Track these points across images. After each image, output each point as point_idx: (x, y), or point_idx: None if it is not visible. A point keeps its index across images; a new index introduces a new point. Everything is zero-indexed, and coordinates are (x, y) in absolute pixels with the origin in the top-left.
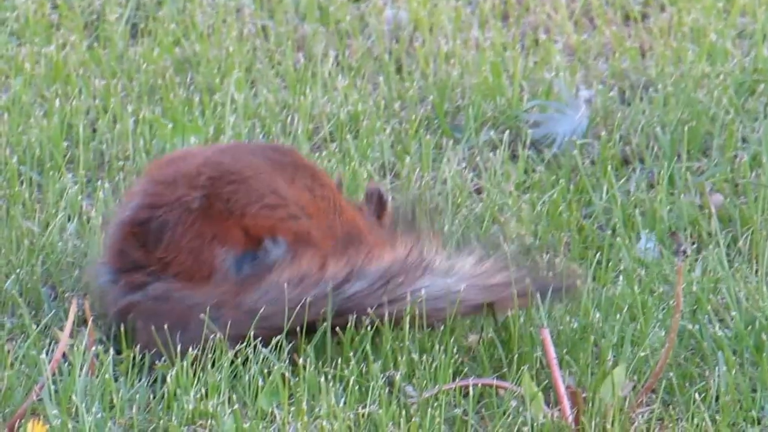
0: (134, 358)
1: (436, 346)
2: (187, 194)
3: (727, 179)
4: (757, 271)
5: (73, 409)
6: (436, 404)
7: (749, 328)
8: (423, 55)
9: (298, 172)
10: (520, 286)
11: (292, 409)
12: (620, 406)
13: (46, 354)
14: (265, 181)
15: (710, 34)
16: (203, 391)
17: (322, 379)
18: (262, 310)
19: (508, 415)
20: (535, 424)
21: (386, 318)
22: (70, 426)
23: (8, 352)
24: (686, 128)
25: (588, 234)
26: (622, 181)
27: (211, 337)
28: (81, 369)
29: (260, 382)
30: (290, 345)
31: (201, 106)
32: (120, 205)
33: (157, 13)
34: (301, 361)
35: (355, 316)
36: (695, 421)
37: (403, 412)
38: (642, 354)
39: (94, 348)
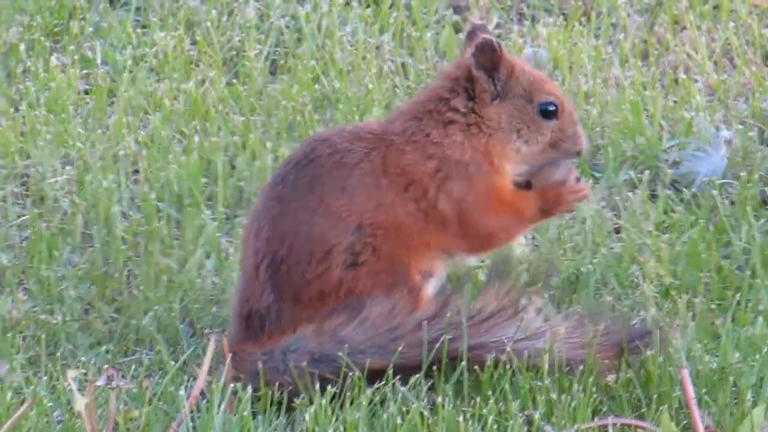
0: (272, 395)
1: (575, 386)
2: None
3: None
4: None
5: None
6: None
7: None
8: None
9: None
10: (607, 341)
11: None
12: None
13: (184, 390)
14: None
15: None
16: (341, 429)
17: (461, 418)
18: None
19: None
20: None
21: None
22: None
23: (146, 388)
24: None
25: (727, 275)
26: (762, 221)
27: (350, 374)
28: (219, 406)
29: (398, 421)
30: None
31: None
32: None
33: (296, 49)
34: (439, 399)
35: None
36: None
37: None
38: None
39: (232, 385)
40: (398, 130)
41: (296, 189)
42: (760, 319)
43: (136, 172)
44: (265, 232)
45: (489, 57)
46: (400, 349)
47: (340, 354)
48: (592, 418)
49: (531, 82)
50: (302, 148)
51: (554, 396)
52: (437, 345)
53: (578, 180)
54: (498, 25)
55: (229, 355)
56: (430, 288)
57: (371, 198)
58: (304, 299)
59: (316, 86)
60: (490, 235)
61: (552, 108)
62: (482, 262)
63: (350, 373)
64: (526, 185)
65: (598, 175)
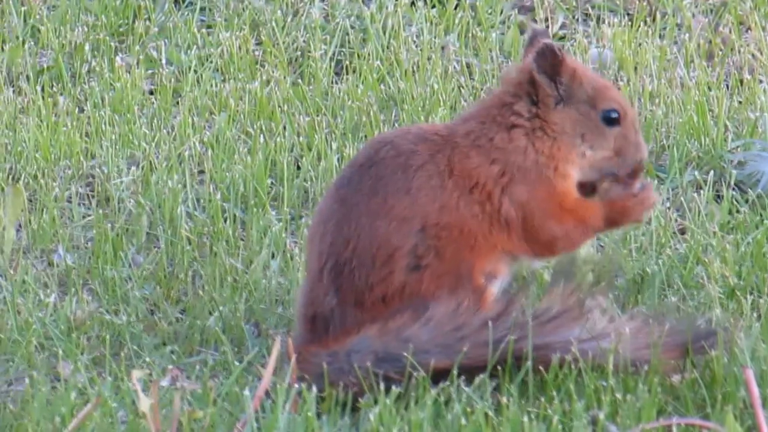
0: (337, 395)
1: (640, 386)
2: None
3: None
4: None
5: None
6: None
7: None
8: (628, 93)
9: None
10: (672, 342)
11: None
12: None
13: (249, 391)
14: None
15: None
16: (406, 429)
17: (526, 418)
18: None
19: None
20: None
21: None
22: None
23: (211, 388)
24: None
25: None
26: None
27: (415, 374)
28: (283, 406)
29: (463, 421)
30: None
31: None
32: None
33: (361, 50)
34: (504, 399)
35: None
36: None
37: None
38: None
39: (296, 385)
40: (462, 133)
41: (360, 191)
42: None
43: (201, 172)
44: (329, 235)
45: (550, 62)
46: (465, 349)
47: (404, 354)
48: (657, 418)
49: (594, 89)
50: (366, 150)
51: (619, 396)
52: (502, 345)
53: (643, 187)
54: (563, 26)
55: (294, 356)
56: (495, 288)
57: (435, 200)
58: (367, 302)
59: (382, 86)
60: (552, 241)
61: (615, 115)
62: (548, 263)
63: (415, 373)
64: (592, 190)
65: (663, 175)
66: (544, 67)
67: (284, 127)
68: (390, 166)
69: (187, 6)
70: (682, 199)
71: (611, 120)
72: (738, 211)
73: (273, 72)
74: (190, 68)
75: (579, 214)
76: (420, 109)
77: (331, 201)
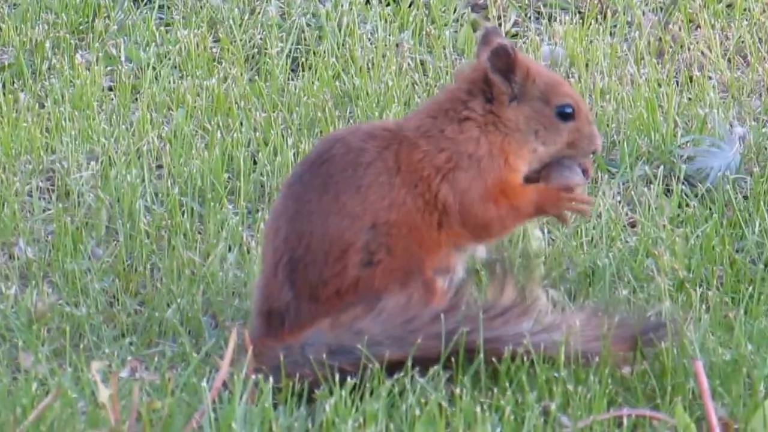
0: (293, 386)
1: (591, 377)
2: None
3: None
4: None
5: None
6: None
7: None
8: (579, 90)
9: None
10: (622, 334)
11: None
12: None
13: (207, 382)
14: None
15: None
16: (361, 419)
17: (478, 408)
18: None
19: None
20: None
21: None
22: None
23: (169, 379)
24: None
25: (740, 268)
26: None
27: (369, 365)
28: (241, 397)
29: (417, 412)
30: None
31: None
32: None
33: (317, 47)
34: (457, 390)
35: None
36: None
37: None
38: None
39: (253, 376)
40: (412, 127)
41: (312, 189)
42: None
43: (160, 167)
44: (283, 232)
45: (504, 60)
46: (417, 341)
47: (356, 346)
48: (608, 409)
49: (547, 85)
50: (317, 147)
51: (570, 387)
52: (455, 337)
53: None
54: (515, 23)
55: (251, 348)
56: (445, 282)
57: (384, 197)
58: (321, 297)
59: (337, 83)
60: (487, 225)
61: (569, 110)
62: (499, 256)
63: (369, 365)
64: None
65: (613, 170)
66: (498, 65)
67: (241, 123)
68: (340, 164)
69: (145, 4)
70: (632, 193)
71: (565, 115)
72: (687, 205)
73: (230, 69)
74: (148, 65)
75: (513, 200)
76: (374, 105)
77: (285, 198)
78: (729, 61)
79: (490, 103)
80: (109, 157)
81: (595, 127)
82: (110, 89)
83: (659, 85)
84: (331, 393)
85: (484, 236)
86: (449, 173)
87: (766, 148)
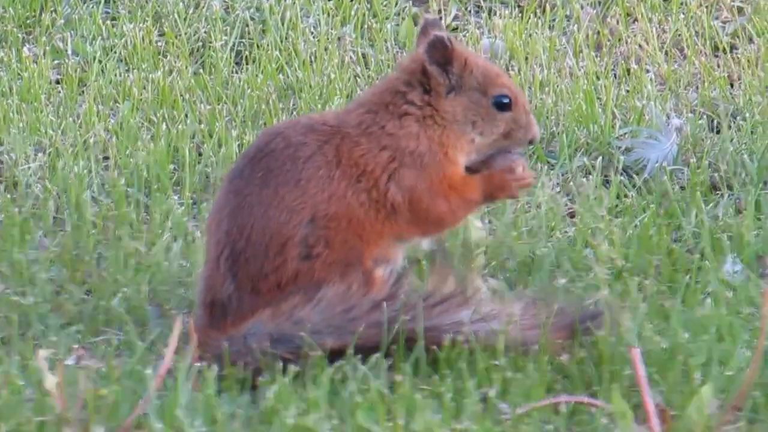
0: (237, 374)
1: (530, 365)
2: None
3: None
4: None
5: (177, 424)
6: (528, 421)
7: None
8: (518, 82)
9: None
10: (560, 322)
11: (389, 424)
12: (707, 423)
13: (152, 370)
14: None
15: None
16: (303, 406)
17: (419, 395)
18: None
19: None
20: None
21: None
22: None
23: (115, 367)
24: None
25: (677, 257)
26: (711, 206)
27: (311, 354)
28: (185, 384)
29: (358, 399)
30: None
31: None
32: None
33: (261, 40)
34: (398, 378)
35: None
36: None
37: (497, 428)
38: (729, 373)
39: (197, 364)
40: (354, 123)
41: (252, 183)
42: (709, 300)
43: (106, 158)
44: (225, 225)
45: (441, 52)
46: (361, 329)
47: (297, 334)
48: (546, 396)
49: (485, 76)
50: (257, 142)
51: (509, 374)
52: (395, 326)
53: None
54: (456, 17)
55: (195, 336)
56: (384, 272)
57: (324, 190)
58: (262, 290)
59: (280, 76)
60: (440, 220)
61: (506, 100)
62: (439, 245)
63: (311, 353)
64: (475, 171)
65: (553, 161)
66: (436, 57)
67: (186, 115)
68: (280, 158)
69: None
70: (571, 184)
71: (502, 105)
72: (625, 196)
73: (175, 62)
74: (95, 59)
75: (462, 192)
76: (317, 97)
77: (226, 192)
78: (666, 54)
79: (428, 94)
80: (57, 148)
81: (532, 117)
82: (57, 82)
83: (597, 78)
84: (273, 381)
85: (435, 231)
86: (395, 172)
87: (702, 140)
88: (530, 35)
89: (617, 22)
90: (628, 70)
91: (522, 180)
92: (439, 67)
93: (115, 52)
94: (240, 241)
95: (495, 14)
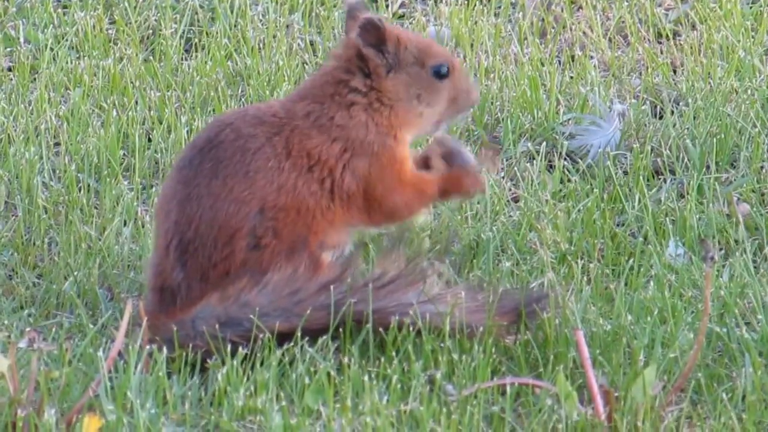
0: (186, 357)
1: (476, 347)
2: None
3: (753, 189)
4: None
5: (128, 405)
6: (474, 402)
7: None
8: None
9: None
10: (506, 305)
11: (337, 406)
12: (651, 404)
13: (103, 352)
14: None
15: (739, 51)
16: (252, 388)
17: (366, 377)
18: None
19: (544, 413)
20: (569, 421)
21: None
22: (125, 421)
23: (67, 350)
24: (715, 141)
25: (621, 241)
26: (654, 191)
27: (260, 336)
28: (136, 367)
29: (307, 381)
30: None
31: None
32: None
33: (210, 28)
34: (345, 359)
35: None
36: (722, 419)
37: (444, 410)
38: (672, 355)
39: (148, 347)
40: (302, 114)
41: (201, 173)
42: (652, 283)
43: (57, 144)
44: (174, 215)
45: (374, 34)
46: (308, 312)
47: (244, 317)
48: (492, 378)
49: (419, 49)
50: (206, 132)
51: (455, 357)
52: (343, 309)
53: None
54: (402, 4)
55: (145, 319)
56: (332, 256)
57: (273, 181)
58: (212, 278)
59: (229, 63)
60: (394, 211)
61: (444, 68)
62: (386, 230)
63: (260, 336)
64: (424, 163)
65: (497, 146)
66: (369, 39)
67: (136, 102)
68: (229, 149)
69: None
70: (515, 168)
71: (441, 74)
72: (569, 181)
73: (126, 49)
74: (46, 46)
75: (417, 186)
76: (266, 84)
77: (175, 181)
78: (610, 40)
79: (369, 78)
80: (8, 134)
81: (470, 79)
82: (9, 69)
83: (542, 64)
84: (223, 363)
85: (389, 221)
86: (349, 162)
87: (645, 125)
88: (476, 22)
89: (562, 10)
90: (572, 57)
91: (477, 183)
92: (374, 49)
93: (67, 40)
94: (189, 231)
95: (441, 1)
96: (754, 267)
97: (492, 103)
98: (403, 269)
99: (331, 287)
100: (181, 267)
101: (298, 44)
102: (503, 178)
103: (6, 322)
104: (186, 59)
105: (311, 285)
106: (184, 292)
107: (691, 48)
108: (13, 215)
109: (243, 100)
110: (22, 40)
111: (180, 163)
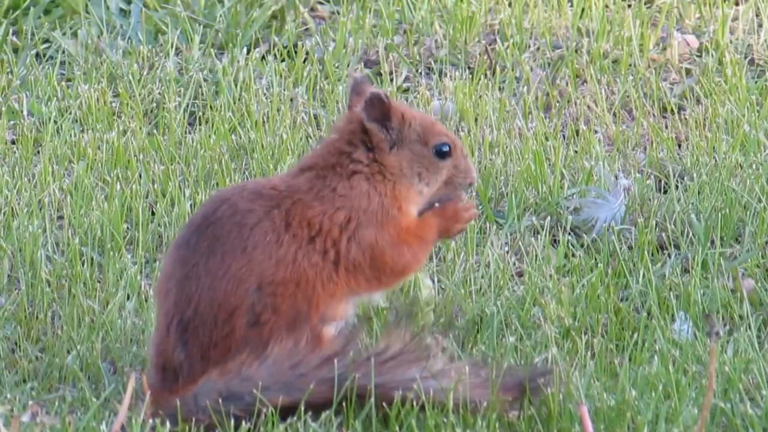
0: (190, 430)
1: (479, 422)
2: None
3: (758, 264)
4: None
5: None
6: None
7: None
8: (468, 143)
9: None
10: (510, 380)
11: None
12: None
13: (106, 426)
14: None
15: (743, 126)
16: None
17: None
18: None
19: None
20: None
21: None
22: None
23: (69, 423)
24: (720, 215)
25: (625, 316)
26: (658, 265)
27: (263, 410)
28: None
29: None
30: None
31: None
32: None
33: (214, 101)
34: None
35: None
36: None
37: None
38: (676, 431)
39: (151, 420)
40: (305, 187)
41: (199, 252)
42: (656, 358)
43: (61, 218)
44: (173, 295)
45: (379, 109)
46: (312, 386)
47: (246, 391)
48: None
49: (423, 127)
50: (203, 209)
51: (459, 431)
52: (346, 383)
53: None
54: (406, 78)
55: (149, 392)
56: (332, 329)
57: (271, 256)
58: (213, 357)
59: (233, 136)
60: (404, 268)
61: (446, 148)
62: (390, 304)
63: (264, 410)
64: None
65: (501, 221)
66: (374, 114)
67: (140, 175)
68: (226, 226)
69: (47, 60)
70: (520, 243)
71: (443, 153)
72: (573, 255)
73: (129, 123)
74: (50, 119)
75: (420, 235)
76: (269, 157)
77: (172, 261)
78: (614, 115)
79: (371, 152)
80: (12, 208)
81: (469, 161)
82: (13, 142)
83: (546, 139)
84: None
85: (398, 281)
86: (354, 232)
87: (650, 200)
88: (480, 97)
89: (566, 84)
90: (577, 131)
91: (468, 209)
92: (379, 124)
93: (70, 113)
94: (188, 311)
95: (445, 76)
96: (759, 342)
97: (496, 177)
98: (407, 344)
99: (334, 361)
100: (182, 347)
101: (302, 118)
102: (507, 252)
103: (9, 395)
104: (190, 132)
105: (313, 358)
106: (186, 371)
107: (696, 122)
108: (16, 289)
109: (247, 173)
110: (25, 112)
111: (178, 242)
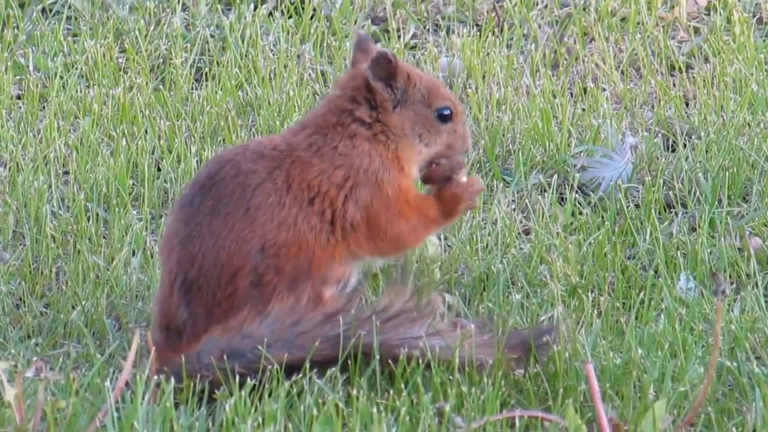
0: (194, 387)
1: (485, 379)
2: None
3: (766, 223)
4: None
5: None
6: None
7: None
8: (476, 101)
9: None
10: (516, 337)
11: None
12: None
13: (110, 382)
14: None
15: (752, 85)
16: (260, 419)
17: (375, 409)
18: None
19: None
20: None
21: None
22: None
23: (74, 379)
24: (727, 174)
25: (632, 274)
26: (665, 224)
27: (269, 367)
28: (143, 397)
29: (315, 412)
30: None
31: None
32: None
33: (221, 57)
34: (354, 392)
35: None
36: None
37: None
38: (682, 389)
39: (155, 377)
40: (304, 145)
41: (202, 211)
42: (663, 316)
43: (66, 173)
44: (176, 254)
45: (386, 68)
46: (309, 344)
47: (246, 348)
48: (501, 411)
49: (428, 89)
50: (207, 169)
51: (465, 389)
52: (352, 341)
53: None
54: (414, 35)
55: (153, 349)
56: (334, 288)
57: (273, 218)
58: (216, 315)
59: (240, 93)
60: (399, 238)
61: (448, 112)
62: (396, 261)
63: (268, 367)
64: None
65: (508, 178)
66: (380, 73)
67: (146, 131)
68: (229, 186)
69: (54, 15)
70: (527, 201)
71: (444, 117)
72: (581, 213)
73: (135, 78)
74: (56, 74)
75: (421, 210)
76: (276, 114)
77: (176, 220)
78: (622, 73)
79: (375, 110)
80: (17, 163)
81: (467, 128)
82: (18, 97)
83: (554, 96)
84: (230, 394)
85: (395, 250)
86: (351, 191)
87: (657, 158)
88: (488, 54)
89: (574, 42)
90: (585, 89)
91: (470, 186)
92: (384, 83)
93: (76, 68)
94: (192, 270)
95: (453, 33)
96: (766, 301)
97: (503, 135)
98: (408, 301)
99: (335, 319)
100: (185, 306)
101: (309, 74)
102: (514, 210)
103: (13, 351)
104: (196, 89)
105: (314, 316)
106: (189, 330)
107: (704, 81)
108: (21, 244)
109: (253, 130)
110: (31, 68)
111: (181, 201)
